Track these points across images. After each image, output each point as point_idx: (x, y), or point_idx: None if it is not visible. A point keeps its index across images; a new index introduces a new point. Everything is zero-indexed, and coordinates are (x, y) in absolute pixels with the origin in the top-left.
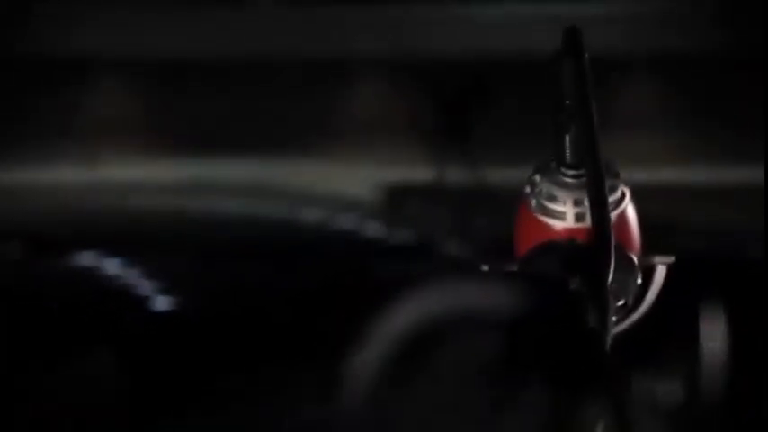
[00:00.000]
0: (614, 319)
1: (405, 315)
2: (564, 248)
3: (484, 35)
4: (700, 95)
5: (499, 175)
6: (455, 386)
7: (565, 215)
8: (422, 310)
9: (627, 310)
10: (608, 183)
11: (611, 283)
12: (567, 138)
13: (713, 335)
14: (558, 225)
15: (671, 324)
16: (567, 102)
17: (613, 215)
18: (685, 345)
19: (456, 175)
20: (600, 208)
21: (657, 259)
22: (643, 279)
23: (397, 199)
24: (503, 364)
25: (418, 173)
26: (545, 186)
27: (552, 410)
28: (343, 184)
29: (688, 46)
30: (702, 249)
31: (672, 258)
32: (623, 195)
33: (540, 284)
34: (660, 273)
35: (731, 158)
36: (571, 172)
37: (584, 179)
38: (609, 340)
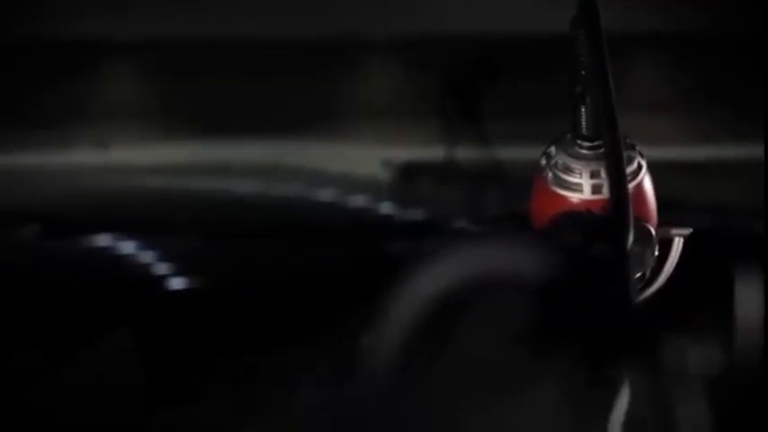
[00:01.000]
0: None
1: (430, 281)
2: (584, 218)
3: (493, 12)
4: (702, 73)
5: (510, 153)
6: (484, 353)
7: (581, 187)
8: (447, 276)
9: (644, 283)
10: (625, 154)
11: (630, 255)
12: (583, 109)
13: (748, 301)
14: (574, 197)
15: (705, 291)
16: (583, 73)
17: (630, 187)
18: (720, 311)
19: (467, 152)
20: (618, 179)
21: (674, 231)
22: (660, 251)
23: (409, 177)
24: (532, 331)
25: (430, 151)
26: (561, 158)
27: (582, 377)
28: (355, 163)
29: (692, 24)
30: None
31: (689, 230)
32: (640, 167)
33: (566, 250)
34: (677, 245)
35: (732, 136)
36: (587, 144)
37: (600, 151)
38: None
